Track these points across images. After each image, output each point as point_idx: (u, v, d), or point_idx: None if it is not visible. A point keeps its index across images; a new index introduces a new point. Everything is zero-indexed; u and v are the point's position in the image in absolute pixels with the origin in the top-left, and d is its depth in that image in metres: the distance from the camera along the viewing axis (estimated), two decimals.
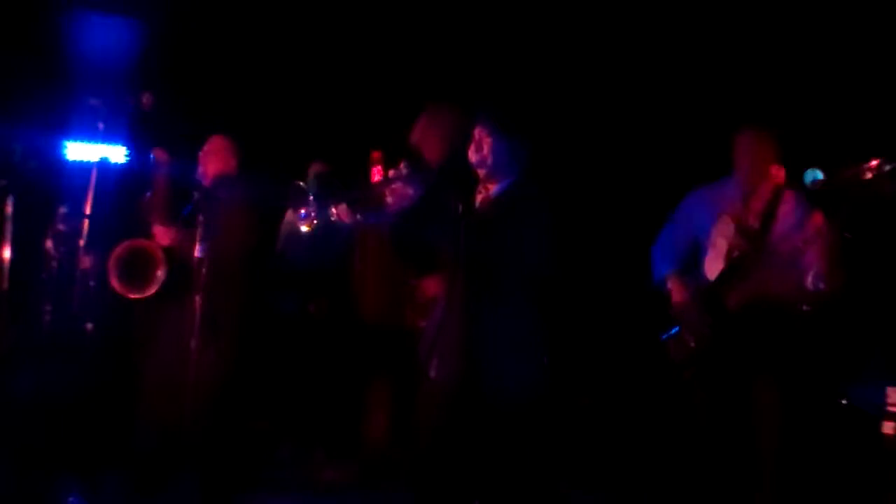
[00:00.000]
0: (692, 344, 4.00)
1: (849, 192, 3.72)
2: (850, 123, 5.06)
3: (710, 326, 3.96)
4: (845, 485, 4.40)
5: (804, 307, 3.85)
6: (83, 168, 5.19)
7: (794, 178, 3.99)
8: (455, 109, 3.66)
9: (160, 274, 4.41)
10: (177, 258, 4.43)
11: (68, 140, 5.47)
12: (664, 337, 4.09)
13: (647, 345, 5.11)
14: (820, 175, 3.88)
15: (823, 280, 3.75)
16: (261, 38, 6.26)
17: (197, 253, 4.10)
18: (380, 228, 4.23)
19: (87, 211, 4.63)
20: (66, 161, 5.46)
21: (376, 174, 3.60)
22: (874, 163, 3.64)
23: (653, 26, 5.80)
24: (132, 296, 4.46)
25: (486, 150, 3.36)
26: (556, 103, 5.79)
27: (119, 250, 4.48)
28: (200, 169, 4.61)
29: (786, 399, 3.84)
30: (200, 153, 4.62)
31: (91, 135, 4.96)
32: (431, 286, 4.03)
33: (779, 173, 4.02)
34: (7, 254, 4.53)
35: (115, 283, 4.45)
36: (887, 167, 3.54)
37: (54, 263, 4.91)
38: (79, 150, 5.47)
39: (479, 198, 3.44)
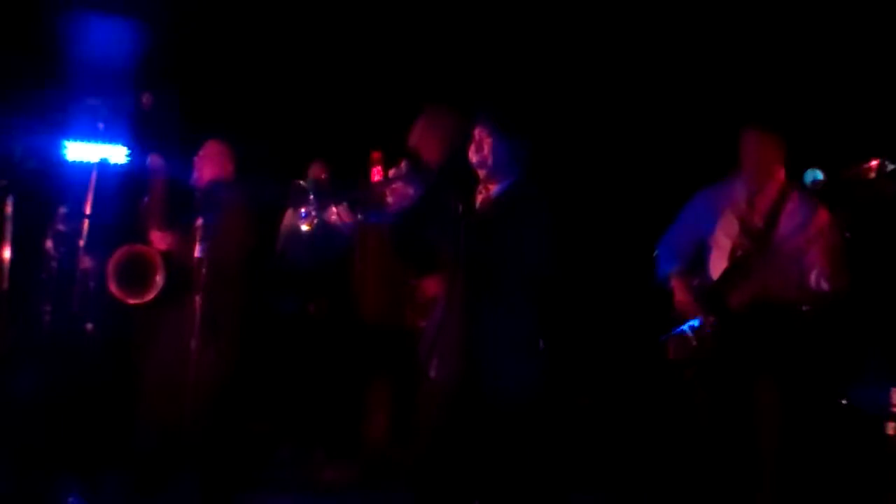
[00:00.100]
0: (694, 343, 4.00)
1: (850, 192, 3.72)
2: (851, 123, 5.06)
3: (712, 325, 3.96)
4: (847, 485, 4.40)
5: (807, 307, 3.85)
6: (83, 168, 5.18)
7: (795, 178, 4.00)
8: (454, 110, 3.67)
9: (159, 279, 4.42)
10: (174, 262, 4.44)
11: (68, 140, 5.46)
12: (663, 338, 4.09)
13: (647, 345, 5.12)
14: (820, 175, 3.88)
15: (826, 279, 3.75)
16: (261, 39, 6.27)
17: (197, 253, 4.11)
18: (380, 228, 4.24)
19: (87, 211, 4.64)
20: (66, 161, 5.45)
21: (376, 174, 3.61)
22: (874, 163, 3.64)
23: (653, 25, 5.80)
24: (131, 301, 4.47)
25: (486, 150, 3.36)
26: (556, 103, 5.79)
27: (118, 256, 4.49)
28: (196, 174, 4.62)
29: (786, 399, 3.84)
30: (196, 158, 4.63)
31: (91, 135, 4.96)
32: (431, 286, 4.03)
33: (779, 173, 4.02)
34: (7, 254, 4.53)
35: (114, 288, 4.46)
36: (889, 167, 3.55)
37: (54, 263, 4.91)
38: (79, 150, 5.46)
39: (479, 198, 3.44)
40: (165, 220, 4.56)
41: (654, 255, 4.36)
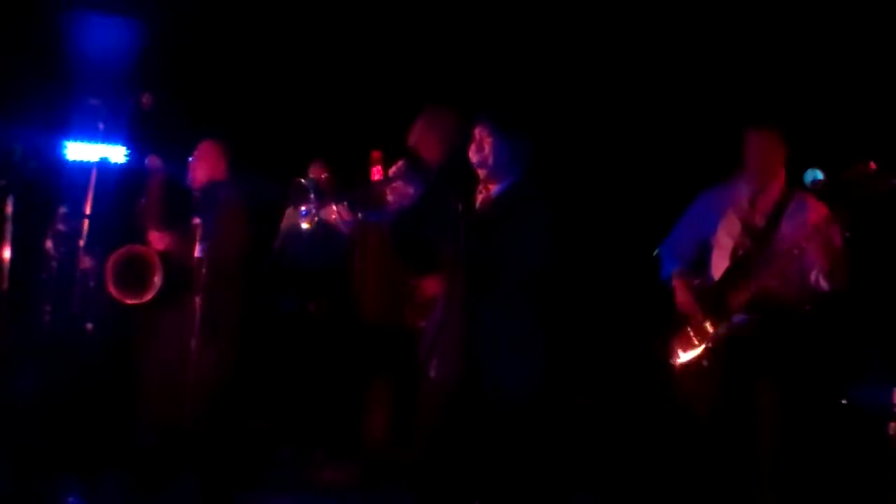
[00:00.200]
0: (696, 343, 4.00)
1: (850, 192, 3.72)
2: (851, 123, 5.06)
3: (712, 325, 3.96)
4: (849, 485, 4.40)
5: (807, 307, 3.84)
6: (83, 168, 5.18)
7: (795, 178, 4.01)
8: (453, 110, 3.67)
9: (157, 280, 4.42)
10: (173, 262, 4.44)
11: (68, 140, 5.46)
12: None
13: (648, 344, 5.12)
14: (820, 175, 3.88)
15: (825, 278, 3.75)
16: (261, 39, 6.27)
17: (197, 253, 4.11)
18: (380, 227, 4.23)
19: (87, 211, 4.64)
20: (66, 161, 5.46)
21: (376, 174, 3.61)
22: (872, 164, 3.65)
23: (654, 25, 5.80)
24: (129, 301, 4.47)
25: (486, 150, 3.36)
26: (557, 103, 5.79)
27: (116, 256, 4.49)
28: (191, 174, 4.62)
29: (787, 399, 3.84)
30: (190, 159, 4.63)
31: (91, 135, 4.96)
32: (431, 286, 4.02)
33: (781, 173, 4.02)
34: (7, 254, 4.53)
35: (112, 288, 4.47)
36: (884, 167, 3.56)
37: (54, 263, 4.91)
38: (79, 150, 5.46)
39: (479, 198, 3.44)
40: (163, 220, 4.56)
41: (655, 254, 4.36)
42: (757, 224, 3.96)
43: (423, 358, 3.39)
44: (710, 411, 4.00)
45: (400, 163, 3.45)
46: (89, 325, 4.96)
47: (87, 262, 4.74)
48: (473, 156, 3.38)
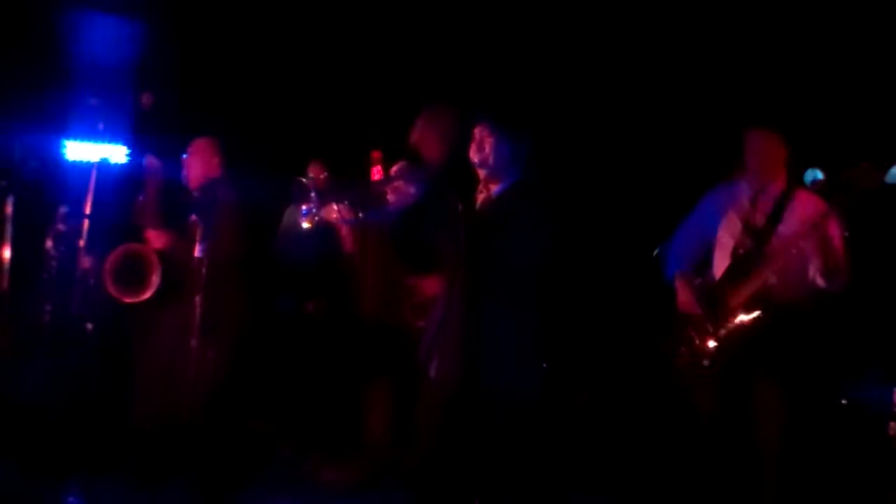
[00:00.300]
0: (697, 342, 4.01)
1: (843, 190, 3.73)
2: (851, 123, 5.06)
3: (713, 325, 3.97)
4: (849, 485, 4.40)
5: (808, 305, 3.85)
6: (83, 168, 5.18)
7: (795, 178, 4.01)
8: (453, 109, 3.66)
9: (155, 278, 4.41)
10: (170, 261, 4.44)
11: (68, 140, 5.47)
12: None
13: (648, 344, 5.12)
14: (820, 175, 3.89)
15: (822, 276, 3.75)
16: (261, 38, 6.26)
17: (196, 252, 4.11)
18: (380, 227, 4.24)
19: (87, 211, 4.64)
20: (66, 161, 5.46)
21: (376, 174, 3.62)
22: (865, 164, 3.67)
23: (655, 25, 5.80)
24: (128, 300, 4.47)
25: (487, 150, 3.36)
26: (557, 103, 5.78)
27: (114, 255, 4.49)
28: (185, 172, 4.62)
29: (787, 398, 3.83)
30: (184, 157, 4.63)
31: (91, 135, 4.97)
32: (431, 286, 4.03)
33: (782, 173, 4.02)
34: (7, 254, 4.54)
35: (110, 287, 4.46)
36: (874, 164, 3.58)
37: (54, 263, 4.91)
38: (79, 150, 5.46)
39: (480, 198, 3.44)
40: (161, 219, 4.56)
41: (654, 254, 4.36)
42: (757, 223, 3.96)
43: (423, 358, 3.39)
44: (711, 410, 4.00)
45: (401, 163, 3.46)
46: (89, 325, 4.96)
47: (87, 262, 4.74)
48: (474, 156, 3.38)
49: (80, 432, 4.82)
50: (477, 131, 3.39)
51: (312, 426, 5.42)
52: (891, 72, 5.01)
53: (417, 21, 6.15)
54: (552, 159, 3.80)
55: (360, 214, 3.53)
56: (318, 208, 3.49)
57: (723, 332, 3.93)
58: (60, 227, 4.93)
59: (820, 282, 3.76)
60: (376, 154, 4.51)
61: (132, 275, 4.47)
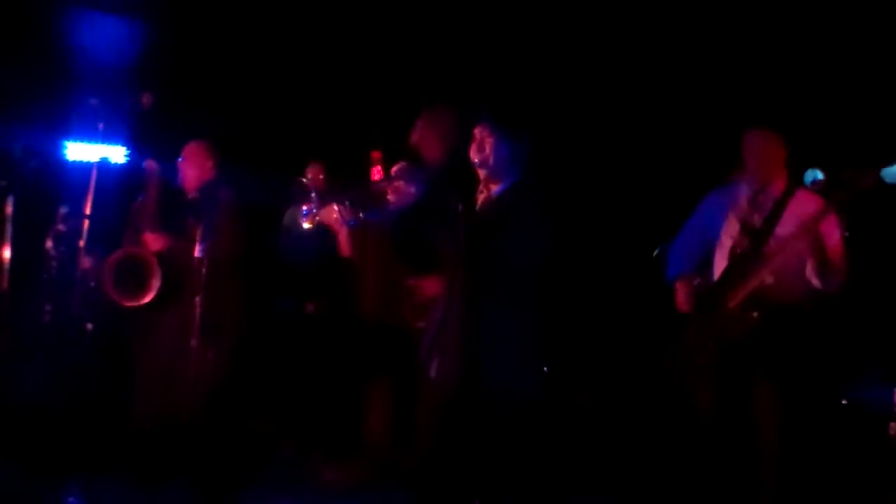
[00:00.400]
0: (695, 342, 4.01)
1: (840, 190, 3.73)
2: (851, 123, 5.06)
3: (710, 326, 3.97)
4: (850, 485, 4.40)
5: (807, 305, 3.84)
6: (83, 168, 5.18)
7: (795, 178, 4.01)
8: (453, 109, 3.66)
9: (155, 283, 4.42)
10: (169, 263, 4.45)
11: (68, 140, 5.47)
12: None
13: (647, 344, 5.12)
14: (820, 175, 3.89)
15: (817, 277, 3.74)
16: (261, 38, 6.26)
17: (196, 253, 4.11)
18: (380, 226, 4.24)
19: (87, 211, 4.64)
20: (66, 161, 5.46)
21: (376, 174, 3.62)
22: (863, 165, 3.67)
23: (656, 26, 5.80)
24: (127, 304, 4.48)
25: (487, 150, 3.36)
26: (558, 103, 5.78)
27: (114, 258, 4.49)
28: (180, 175, 4.64)
29: (785, 399, 3.83)
30: (178, 161, 4.65)
31: (91, 135, 4.96)
32: (431, 286, 4.02)
33: (782, 173, 4.02)
34: (7, 254, 4.54)
35: (110, 291, 4.47)
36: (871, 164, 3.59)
37: (54, 263, 4.91)
38: (79, 150, 5.46)
39: (480, 198, 3.44)
40: (159, 222, 4.57)
41: (654, 254, 4.37)
42: (755, 224, 3.97)
43: (423, 358, 3.39)
44: (710, 411, 4.00)
45: (401, 163, 3.46)
46: (89, 325, 4.96)
47: (87, 262, 4.74)
48: (474, 156, 3.38)
49: (80, 432, 4.82)
50: (477, 131, 3.39)
51: (313, 426, 5.42)
52: (890, 72, 5.01)
53: (417, 21, 6.15)
54: (552, 159, 3.80)
55: (361, 214, 3.53)
56: (319, 208, 3.49)
57: (718, 332, 3.93)
58: (60, 227, 4.93)
59: (815, 283, 3.76)
60: (376, 154, 4.52)
61: (132, 279, 4.48)
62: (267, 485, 4.92)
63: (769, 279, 3.84)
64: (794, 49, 5.38)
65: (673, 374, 4.15)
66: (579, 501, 4.79)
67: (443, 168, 3.38)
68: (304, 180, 3.43)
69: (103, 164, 5.08)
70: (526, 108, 3.61)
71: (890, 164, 3.66)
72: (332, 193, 3.60)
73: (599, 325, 5.80)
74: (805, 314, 3.87)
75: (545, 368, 3.38)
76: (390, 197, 3.48)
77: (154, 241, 4.53)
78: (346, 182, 4.06)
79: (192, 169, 4.62)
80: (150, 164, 4.66)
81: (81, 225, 4.63)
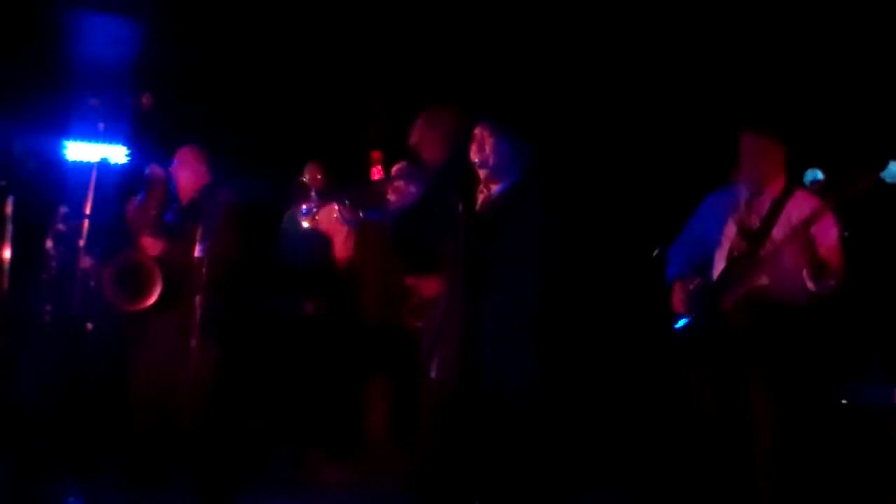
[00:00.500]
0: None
1: (838, 190, 3.73)
2: (851, 123, 5.06)
3: (707, 326, 3.97)
4: (850, 485, 4.40)
5: (803, 307, 3.84)
6: (83, 168, 5.18)
7: (795, 178, 4.01)
8: (453, 109, 3.67)
9: (157, 289, 4.44)
10: (167, 267, 4.47)
11: (68, 140, 5.47)
12: (676, 327, 4.07)
13: (646, 345, 5.12)
14: (820, 175, 3.89)
15: (810, 279, 3.73)
16: (261, 39, 6.27)
17: (196, 253, 4.12)
18: (380, 225, 4.24)
19: (87, 211, 4.63)
20: (66, 161, 5.46)
21: (376, 174, 3.62)
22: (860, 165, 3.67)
23: (657, 26, 5.81)
24: (127, 308, 4.49)
25: (487, 150, 3.37)
26: (558, 103, 5.79)
27: (116, 263, 4.50)
28: (174, 181, 4.65)
29: (781, 399, 3.83)
30: (172, 167, 4.66)
31: (91, 135, 4.95)
32: (430, 286, 4.03)
33: (779, 174, 4.02)
34: (7, 254, 4.53)
35: (110, 296, 4.48)
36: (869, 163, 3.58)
37: (54, 263, 4.91)
38: (79, 150, 5.46)
39: (480, 198, 3.44)
40: (159, 227, 4.59)
41: (654, 254, 4.37)
42: (752, 226, 3.96)
43: (423, 357, 3.39)
44: (708, 411, 4.00)
45: (401, 162, 3.46)
46: (89, 325, 4.96)
47: (87, 262, 4.74)
48: (474, 155, 3.38)
49: (79, 432, 4.82)
50: (477, 131, 3.39)
51: (313, 426, 5.42)
52: (890, 72, 5.01)
53: (418, 21, 6.16)
54: (552, 159, 3.80)
55: (361, 214, 3.53)
56: (318, 208, 3.49)
57: (715, 333, 3.94)
58: (60, 227, 4.93)
59: (809, 285, 3.75)
60: (376, 154, 4.52)
61: (133, 284, 4.49)
62: (267, 485, 4.92)
63: (765, 281, 3.84)
64: (795, 49, 5.39)
65: (673, 375, 4.15)
66: (579, 501, 4.79)
67: (443, 168, 3.39)
68: (304, 180, 3.43)
69: (103, 164, 5.07)
70: (526, 108, 3.61)
71: (888, 163, 3.65)
72: (332, 193, 3.59)
73: (599, 324, 5.80)
74: (801, 315, 3.86)
75: (545, 368, 3.38)
76: (390, 197, 3.47)
77: (152, 246, 4.55)
78: (346, 182, 4.06)
79: (187, 175, 4.65)
80: (154, 168, 4.68)
81: (81, 225, 4.63)
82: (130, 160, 5.33)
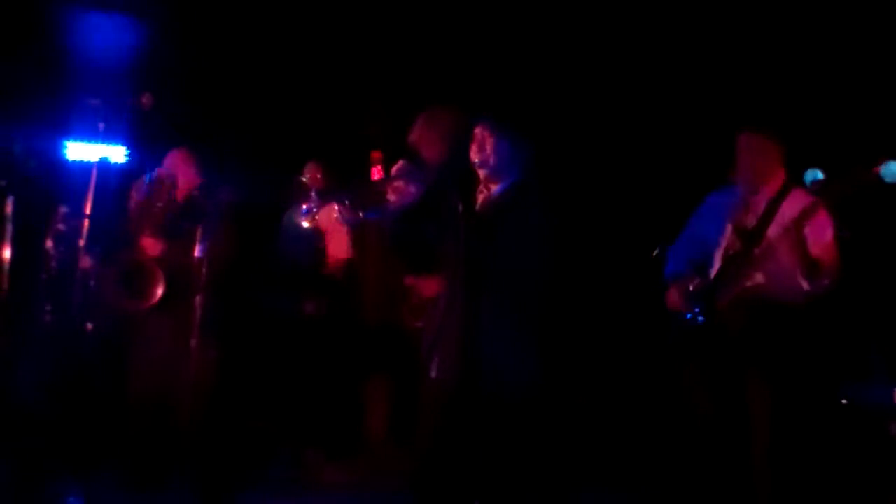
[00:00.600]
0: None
1: (835, 188, 3.73)
2: (851, 123, 5.06)
3: (699, 324, 3.98)
4: (850, 485, 4.40)
5: (800, 306, 3.84)
6: (83, 168, 5.18)
7: (795, 178, 4.01)
8: (453, 109, 3.67)
9: (159, 290, 4.45)
10: (167, 267, 4.47)
11: (68, 140, 5.47)
12: (688, 317, 4.05)
13: (645, 345, 5.12)
14: (820, 175, 3.88)
15: (803, 278, 3.73)
16: (261, 39, 6.27)
17: (197, 253, 4.12)
18: (380, 225, 4.24)
19: (87, 211, 4.64)
20: (66, 161, 5.46)
21: (376, 174, 3.61)
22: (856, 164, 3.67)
23: (656, 27, 5.81)
24: (129, 309, 4.50)
25: (488, 150, 3.37)
26: (557, 103, 5.79)
27: (122, 265, 4.52)
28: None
29: (777, 398, 3.83)
30: (162, 168, 4.67)
31: (91, 135, 4.95)
32: (429, 286, 4.03)
33: (777, 174, 4.02)
34: (7, 254, 4.53)
35: (113, 298, 4.49)
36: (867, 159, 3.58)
37: (54, 263, 4.91)
38: (79, 150, 5.47)
39: (480, 198, 3.44)
40: (161, 228, 4.59)
41: (654, 254, 4.37)
42: (748, 225, 3.97)
43: (423, 357, 3.39)
44: (705, 409, 4.00)
45: (401, 162, 3.46)
46: (89, 325, 4.96)
47: (87, 261, 4.74)
48: (475, 155, 3.38)
49: (80, 432, 4.82)
50: (477, 131, 3.39)
51: (313, 426, 5.43)
52: (891, 72, 5.01)
53: (417, 21, 6.15)
54: (552, 159, 3.80)
55: (361, 214, 3.53)
56: (318, 208, 3.49)
57: (710, 332, 3.94)
58: (60, 227, 4.93)
59: (803, 284, 3.74)
60: (376, 154, 4.52)
61: (135, 286, 4.50)
62: (267, 485, 4.92)
63: (760, 280, 3.84)
64: (795, 49, 5.39)
65: (671, 374, 4.15)
66: (579, 501, 4.79)
67: (443, 168, 3.39)
68: (304, 180, 3.43)
69: (103, 164, 5.07)
70: (526, 108, 3.61)
71: (881, 162, 3.65)
72: (332, 193, 3.59)
73: (599, 324, 5.80)
74: (797, 313, 3.85)
75: (545, 368, 3.38)
76: (390, 197, 3.47)
77: (152, 246, 4.56)
78: (346, 182, 4.06)
79: (179, 177, 4.65)
80: (162, 172, 4.69)
81: (81, 225, 4.63)
82: (130, 160, 5.33)
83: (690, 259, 4.17)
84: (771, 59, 5.47)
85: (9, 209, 4.50)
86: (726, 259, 3.98)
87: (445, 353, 3.30)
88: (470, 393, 3.23)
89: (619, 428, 5.50)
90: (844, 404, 4.63)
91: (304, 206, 3.52)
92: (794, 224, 3.73)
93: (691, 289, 4.08)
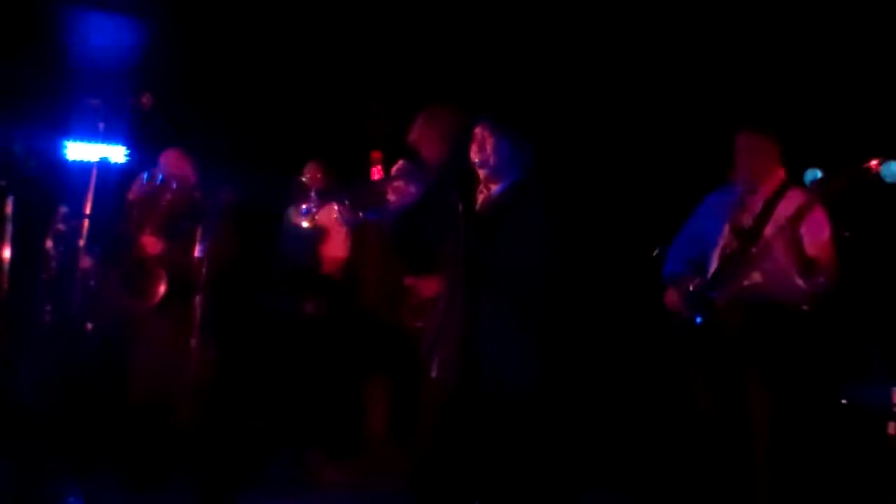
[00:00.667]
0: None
1: (831, 187, 3.74)
2: (850, 123, 5.07)
3: (699, 325, 3.98)
4: (849, 485, 4.40)
5: (798, 305, 3.84)
6: (83, 168, 5.19)
7: (795, 178, 4.01)
8: (453, 109, 3.67)
9: (161, 289, 4.45)
10: (167, 266, 4.47)
11: (68, 140, 5.47)
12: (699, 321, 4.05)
13: (645, 345, 5.12)
14: (820, 174, 3.89)
15: (800, 276, 3.73)
16: (261, 39, 6.27)
17: (197, 253, 4.12)
18: (380, 225, 4.24)
19: (87, 211, 4.64)
20: (66, 161, 5.46)
21: (376, 174, 3.61)
22: (874, 163, 3.66)
23: (656, 27, 5.81)
24: (131, 308, 4.50)
25: (488, 150, 3.37)
26: (557, 103, 5.79)
27: (123, 268, 4.52)
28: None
29: (777, 397, 3.83)
30: (157, 169, 4.67)
31: (91, 135, 4.96)
32: (430, 286, 4.03)
33: (776, 174, 4.02)
34: (7, 254, 4.53)
35: (116, 296, 4.50)
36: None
37: (54, 263, 4.91)
38: (79, 150, 5.47)
39: (480, 198, 3.44)
40: (163, 228, 4.60)
41: (654, 254, 4.37)
42: (745, 224, 3.97)
43: (423, 357, 3.39)
44: (707, 410, 4.00)
45: (401, 162, 3.46)
46: (89, 325, 4.96)
47: (87, 262, 4.74)
48: (475, 155, 3.38)
49: (80, 432, 4.82)
50: (477, 131, 3.39)
51: (313, 426, 5.43)
52: (891, 72, 5.02)
53: (417, 21, 6.16)
54: (552, 159, 3.80)
55: (361, 214, 3.53)
56: (318, 208, 3.49)
57: (708, 331, 3.94)
58: (60, 227, 4.93)
59: (800, 283, 3.74)
60: (376, 154, 4.52)
61: (137, 285, 4.50)
62: (267, 485, 4.92)
63: (758, 279, 3.85)
64: (794, 49, 5.39)
65: (670, 374, 4.16)
66: (579, 501, 4.79)
67: (443, 168, 3.39)
68: (304, 180, 3.42)
69: (103, 164, 5.07)
70: (526, 108, 3.62)
71: (874, 160, 3.65)
72: (332, 193, 3.59)
73: (599, 324, 5.80)
74: (794, 313, 3.85)
75: (545, 367, 3.38)
76: (390, 197, 3.47)
77: (153, 245, 4.56)
78: (346, 182, 4.06)
79: (174, 175, 4.66)
80: (168, 175, 4.70)
81: (81, 225, 4.63)
82: (130, 160, 5.34)
83: (689, 259, 4.18)
84: (770, 59, 5.47)
85: (9, 209, 4.50)
86: (723, 259, 3.99)
87: (445, 352, 3.30)
88: (470, 393, 3.24)
89: (619, 428, 5.50)
90: (844, 404, 4.63)
91: (304, 206, 3.52)
92: (789, 223, 3.73)
93: (690, 289, 4.08)
